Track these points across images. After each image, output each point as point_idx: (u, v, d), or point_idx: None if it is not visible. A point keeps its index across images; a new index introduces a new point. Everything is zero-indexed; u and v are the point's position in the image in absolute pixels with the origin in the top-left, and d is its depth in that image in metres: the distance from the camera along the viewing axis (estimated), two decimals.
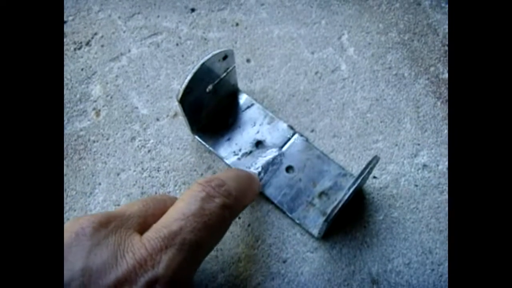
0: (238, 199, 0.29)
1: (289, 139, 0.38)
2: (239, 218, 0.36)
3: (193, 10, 0.45)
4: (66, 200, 0.37)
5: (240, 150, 0.38)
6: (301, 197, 0.36)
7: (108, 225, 0.25)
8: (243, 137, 0.38)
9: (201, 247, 0.26)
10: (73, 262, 0.23)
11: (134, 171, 0.38)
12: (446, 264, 0.34)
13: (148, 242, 0.25)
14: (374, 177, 0.37)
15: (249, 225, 0.36)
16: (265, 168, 0.37)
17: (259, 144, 0.38)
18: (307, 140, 0.38)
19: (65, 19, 0.45)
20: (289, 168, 0.37)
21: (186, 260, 0.25)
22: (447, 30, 0.43)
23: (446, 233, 0.35)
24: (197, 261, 0.27)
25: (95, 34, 0.44)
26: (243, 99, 0.40)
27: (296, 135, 0.38)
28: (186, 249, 0.25)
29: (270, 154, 0.38)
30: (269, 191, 0.36)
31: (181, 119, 0.40)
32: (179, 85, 0.41)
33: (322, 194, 0.36)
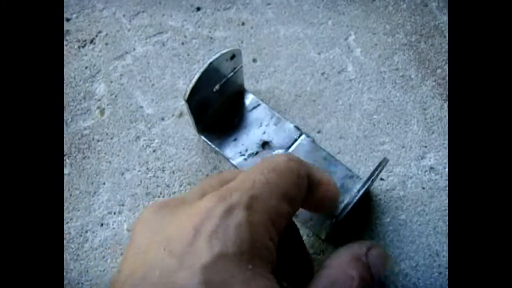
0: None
1: (295, 140, 0.38)
2: None
3: (198, 9, 0.44)
4: (70, 199, 0.37)
5: (246, 150, 0.38)
6: None
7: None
8: (250, 138, 0.38)
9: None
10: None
11: (139, 171, 0.38)
12: None
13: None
14: (381, 179, 0.37)
15: None
16: None
17: (265, 144, 0.38)
18: (313, 141, 0.38)
19: (69, 16, 0.45)
20: None
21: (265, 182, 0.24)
22: None
23: None
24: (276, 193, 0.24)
25: (100, 32, 0.44)
26: (249, 99, 0.40)
27: (303, 136, 0.38)
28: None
29: None
30: None
31: (187, 118, 0.39)
32: (185, 85, 0.41)
33: None
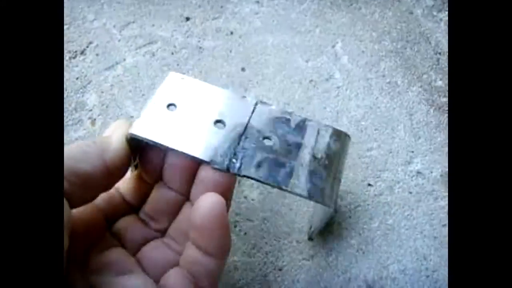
0: None
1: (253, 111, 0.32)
2: (235, 226, 0.36)
3: (187, 19, 0.45)
4: None
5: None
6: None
7: None
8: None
9: None
10: None
11: None
12: (441, 270, 0.35)
13: None
14: (369, 184, 0.38)
15: (245, 234, 0.36)
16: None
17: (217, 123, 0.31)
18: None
19: None
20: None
21: None
22: (439, 39, 0.44)
23: (440, 239, 0.36)
24: None
25: (90, 43, 0.44)
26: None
27: (259, 105, 0.32)
28: None
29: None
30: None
31: None
32: None
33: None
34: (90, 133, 0.40)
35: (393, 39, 0.44)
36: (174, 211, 0.30)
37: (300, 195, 0.28)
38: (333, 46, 0.43)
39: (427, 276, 0.35)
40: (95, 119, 0.41)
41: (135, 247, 0.29)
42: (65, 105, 0.41)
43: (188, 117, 0.30)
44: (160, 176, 0.30)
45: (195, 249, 0.26)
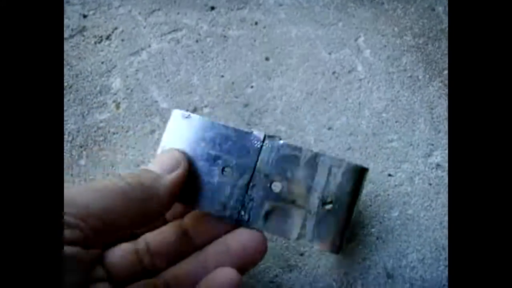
0: None
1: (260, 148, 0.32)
2: None
3: (212, 8, 0.46)
4: None
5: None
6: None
7: None
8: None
9: None
10: None
11: None
12: None
13: None
14: (389, 175, 0.38)
15: None
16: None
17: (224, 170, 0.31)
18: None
19: (85, 13, 0.46)
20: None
21: None
22: None
23: None
24: None
25: (116, 28, 0.45)
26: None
27: (267, 141, 0.32)
28: None
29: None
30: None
31: (199, 113, 0.41)
32: (199, 81, 0.42)
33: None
34: (114, 117, 0.41)
35: (414, 35, 0.44)
36: (179, 259, 0.29)
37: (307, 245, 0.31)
38: (356, 40, 0.44)
39: (446, 266, 0.35)
40: (119, 103, 0.41)
41: (123, 284, 0.28)
42: (90, 88, 0.42)
43: (196, 167, 0.31)
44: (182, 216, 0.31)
45: None
